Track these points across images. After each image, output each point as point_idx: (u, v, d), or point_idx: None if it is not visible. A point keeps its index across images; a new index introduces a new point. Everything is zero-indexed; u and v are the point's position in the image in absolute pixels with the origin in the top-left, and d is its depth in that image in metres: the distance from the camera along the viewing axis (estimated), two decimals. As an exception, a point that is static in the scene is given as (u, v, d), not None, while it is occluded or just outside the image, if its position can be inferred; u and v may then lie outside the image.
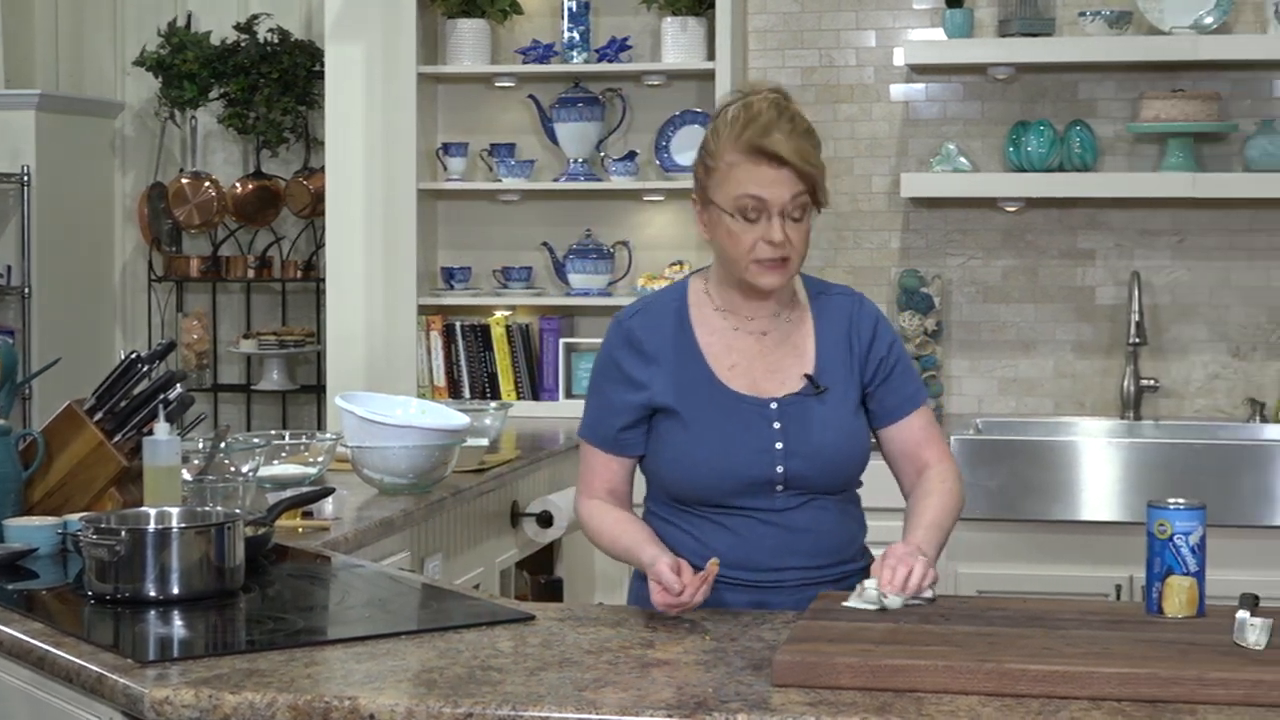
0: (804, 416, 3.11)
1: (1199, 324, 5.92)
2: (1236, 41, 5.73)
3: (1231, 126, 5.77)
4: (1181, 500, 2.76)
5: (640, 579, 3.15)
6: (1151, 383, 5.86)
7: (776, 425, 3.09)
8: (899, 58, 6.04)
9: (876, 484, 3.32)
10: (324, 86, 6.30)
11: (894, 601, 2.79)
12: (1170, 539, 2.71)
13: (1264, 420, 5.77)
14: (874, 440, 3.22)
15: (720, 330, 3.16)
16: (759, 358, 3.15)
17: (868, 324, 3.20)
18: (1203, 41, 5.64)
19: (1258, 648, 2.47)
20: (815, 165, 3.05)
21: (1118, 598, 5.16)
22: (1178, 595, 2.70)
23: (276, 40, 6.96)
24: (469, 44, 6.13)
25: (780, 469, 3.08)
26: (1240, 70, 5.84)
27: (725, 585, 3.06)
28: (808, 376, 3.13)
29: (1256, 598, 2.60)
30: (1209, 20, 5.74)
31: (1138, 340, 5.78)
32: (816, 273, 6.16)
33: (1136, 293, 5.77)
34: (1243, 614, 2.52)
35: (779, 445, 3.08)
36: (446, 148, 6.19)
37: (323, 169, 6.43)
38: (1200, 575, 2.71)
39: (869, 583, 2.83)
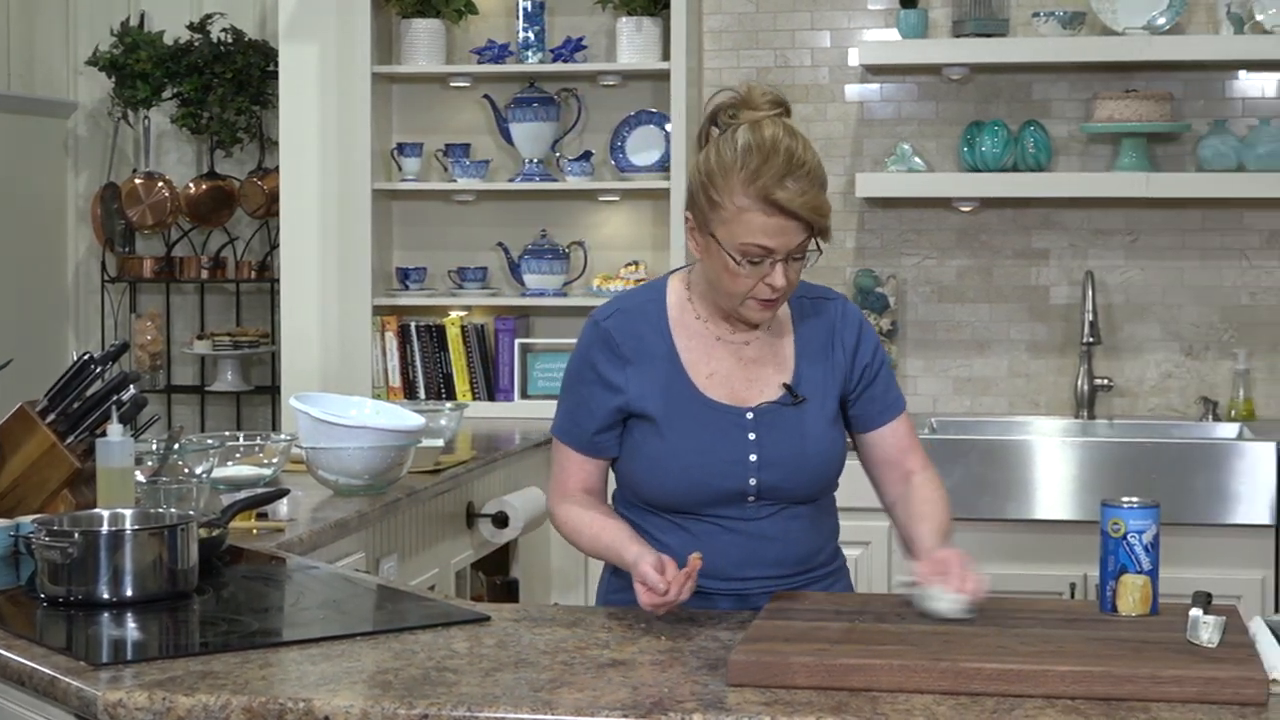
0: (780, 426, 3.06)
1: (1152, 323, 5.95)
2: (1189, 42, 5.76)
3: (1184, 126, 5.80)
4: (1135, 499, 2.77)
5: (614, 574, 3.15)
6: (1105, 382, 5.88)
7: (751, 436, 3.05)
8: (854, 58, 6.05)
9: (850, 486, 3.31)
10: (278, 86, 6.27)
11: (954, 607, 2.74)
12: (1124, 537, 2.72)
13: (1216, 419, 5.80)
14: (850, 446, 3.19)
15: (700, 337, 3.10)
16: (738, 367, 3.10)
17: (852, 330, 3.14)
18: (1155, 42, 5.67)
19: (1211, 645, 2.48)
20: (825, 213, 2.95)
21: (1072, 596, 5.17)
22: (1131, 593, 2.71)
23: (230, 40, 6.93)
24: (424, 44, 6.12)
25: (753, 481, 3.04)
26: (1193, 71, 5.87)
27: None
28: (786, 386, 3.08)
29: (1209, 595, 2.61)
30: (1161, 21, 5.77)
31: (1091, 340, 5.80)
32: (772, 273, 6.16)
33: (1090, 292, 5.79)
34: (1196, 612, 2.54)
35: (753, 457, 3.04)
36: (401, 148, 6.18)
37: (277, 169, 6.41)
38: (1154, 573, 2.72)
39: (936, 590, 2.76)
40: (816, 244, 2.97)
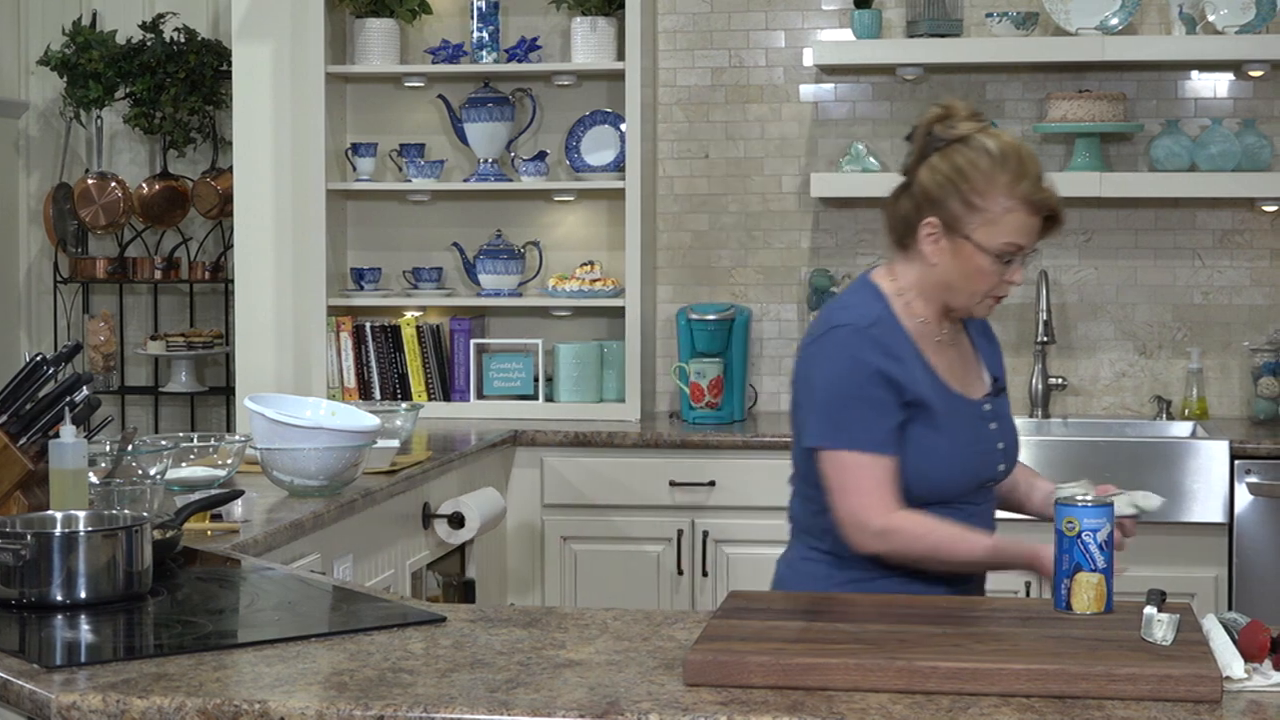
0: (1004, 417, 3.33)
1: (1106, 322, 5.98)
2: (1142, 42, 5.79)
3: (1137, 127, 5.82)
4: (1090, 497, 2.78)
5: (837, 568, 3.20)
6: (1059, 381, 5.90)
7: (993, 426, 3.25)
8: (808, 58, 6.06)
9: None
10: (231, 86, 6.26)
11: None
12: (1078, 536, 2.73)
13: (1170, 418, 5.82)
14: None
15: (926, 338, 3.23)
16: (958, 363, 3.27)
17: (986, 324, 3.40)
18: (1108, 42, 5.70)
19: (1165, 643, 2.49)
20: None
21: (1027, 594, 5.19)
22: (1086, 592, 2.72)
23: (183, 39, 6.90)
24: (378, 44, 6.10)
25: (1001, 467, 3.27)
26: (1145, 71, 5.90)
27: (923, 578, 3.16)
28: (995, 378, 3.32)
29: (1163, 593, 2.62)
30: (1114, 22, 5.79)
31: (1046, 339, 5.82)
32: (725, 274, 6.20)
33: (1044, 291, 5.81)
34: (1150, 610, 2.55)
35: (1000, 445, 3.26)
36: (356, 148, 6.17)
37: (230, 169, 6.39)
38: (1108, 572, 2.73)
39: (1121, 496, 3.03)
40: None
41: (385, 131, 6.28)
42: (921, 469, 3.16)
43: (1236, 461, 5.26)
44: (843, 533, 3.14)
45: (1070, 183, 5.72)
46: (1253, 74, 5.86)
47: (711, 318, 5.92)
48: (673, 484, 5.56)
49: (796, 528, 3.33)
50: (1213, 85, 5.93)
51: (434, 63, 6.12)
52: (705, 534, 5.54)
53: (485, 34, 6.05)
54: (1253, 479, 5.24)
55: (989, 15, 5.83)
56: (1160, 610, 2.55)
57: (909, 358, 3.17)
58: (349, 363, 6.13)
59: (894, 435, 3.13)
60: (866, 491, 3.11)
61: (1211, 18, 5.72)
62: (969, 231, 3.13)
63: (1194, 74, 5.93)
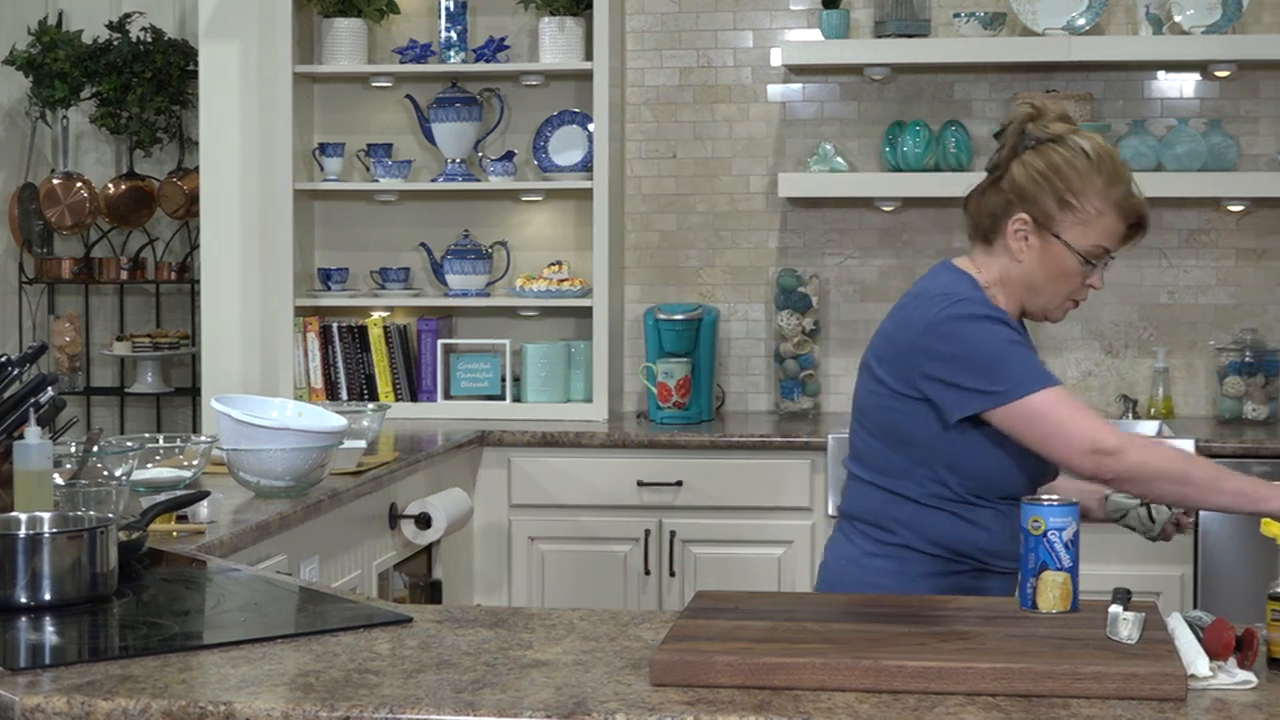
0: None
1: (1073, 322, 5.99)
2: (1108, 43, 5.81)
3: (1104, 127, 5.84)
4: (1056, 496, 2.79)
5: (903, 563, 3.20)
6: (1026, 380, 5.91)
7: None
8: (776, 58, 6.07)
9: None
10: (198, 86, 6.24)
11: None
12: (1044, 535, 2.73)
13: (1136, 417, 5.84)
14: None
15: None
16: None
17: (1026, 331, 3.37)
18: (1075, 43, 5.71)
19: (1130, 641, 2.50)
20: None
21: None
22: (1052, 590, 2.72)
23: (149, 39, 6.89)
24: (345, 43, 6.09)
25: (1056, 470, 3.25)
26: (1112, 71, 5.92)
27: (991, 573, 3.21)
28: None
29: (1129, 592, 2.63)
30: (1081, 22, 5.81)
31: (1013, 338, 5.82)
32: (694, 274, 6.20)
33: (1011, 291, 5.81)
34: (1115, 608, 2.55)
35: None
36: (323, 148, 6.15)
37: (197, 169, 6.37)
38: (1074, 570, 2.74)
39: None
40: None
41: (352, 131, 6.27)
42: (983, 461, 3.15)
43: (1202, 461, 5.27)
44: (1078, 468, 3.08)
45: (1037, 183, 5.74)
46: (1219, 74, 5.88)
47: (679, 318, 5.92)
48: (640, 484, 5.56)
49: (860, 521, 3.28)
50: (1179, 85, 5.95)
51: (402, 63, 6.11)
52: (673, 534, 5.54)
53: (453, 34, 6.04)
54: (1219, 478, 5.25)
55: (956, 15, 5.84)
56: (1126, 609, 2.55)
57: None
58: (316, 363, 6.12)
59: None
60: (1078, 419, 3.07)
61: (1178, 18, 5.74)
62: (1060, 230, 3.15)
63: (1160, 74, 5.95)
